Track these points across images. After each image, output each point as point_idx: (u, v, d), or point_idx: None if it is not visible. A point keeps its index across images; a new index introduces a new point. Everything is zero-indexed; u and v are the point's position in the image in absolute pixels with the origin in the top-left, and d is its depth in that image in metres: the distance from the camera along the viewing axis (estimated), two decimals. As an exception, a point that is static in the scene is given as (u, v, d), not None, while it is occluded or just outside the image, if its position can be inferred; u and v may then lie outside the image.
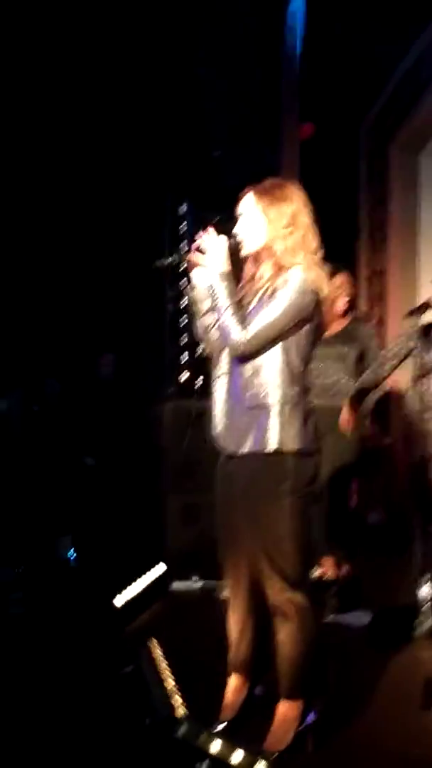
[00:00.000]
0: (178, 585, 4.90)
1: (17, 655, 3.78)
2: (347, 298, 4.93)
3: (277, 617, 2.84)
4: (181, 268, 3.00)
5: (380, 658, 3.84)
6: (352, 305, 5.03)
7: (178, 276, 5.04)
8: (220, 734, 2.57)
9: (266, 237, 2.82)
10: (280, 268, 2.80)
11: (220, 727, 2.89)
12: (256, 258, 2.88)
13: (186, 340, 5.49)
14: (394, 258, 7.12)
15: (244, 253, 2.88)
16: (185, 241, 2.88)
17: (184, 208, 5.40)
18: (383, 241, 7.24)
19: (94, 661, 3.64)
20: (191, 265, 2.93)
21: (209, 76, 5.76)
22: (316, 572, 4.92)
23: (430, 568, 4.21)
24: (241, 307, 2.82)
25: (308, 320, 2.80)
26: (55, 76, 5.54)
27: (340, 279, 4.91)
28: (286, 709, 2.87)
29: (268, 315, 2.75)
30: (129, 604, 4.32)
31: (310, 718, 2.92)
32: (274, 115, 5.90)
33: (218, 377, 2.95)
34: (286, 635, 2.83)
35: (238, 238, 2.87)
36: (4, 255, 5.49)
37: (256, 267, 2.89)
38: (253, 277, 2.90)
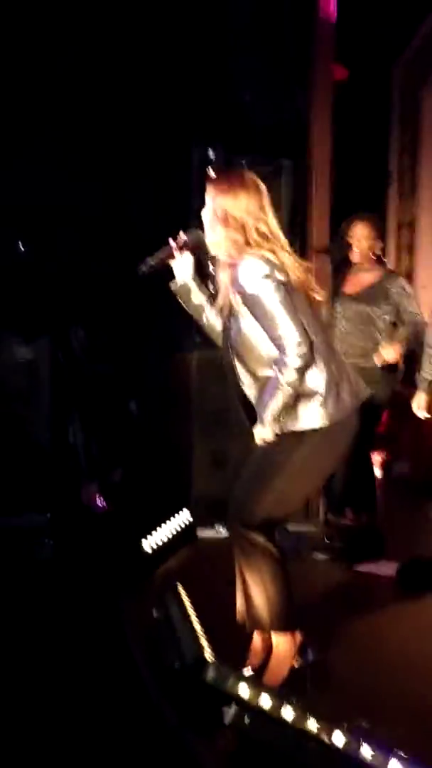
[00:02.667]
0: (203, 532, 4.92)
1: (45, 600, 3.82)
2: (372, 249, 4.80)
3: (240, 557, 2.92)
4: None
5: (406, 607, 3.86)
6: (380, 257, 4.91)
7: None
8: (247, 679, 2.58)
9: (214, 228, 2.88)
10: (231, 262, 2.86)
11: (248, 671, 2.92)
12: (216, 248, 2.94)
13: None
14: (423, 207, 7.00)
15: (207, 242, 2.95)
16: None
17: (212, 152, 5.31)
18: (413, 189, 7.12)
19: (122, 606, 3.67)
20: (171, 262, 3.03)
21: (239, 16, 5.65)
22: (339, 521, 4.94)
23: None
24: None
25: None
26: (78, 15, 5.45)
27: (362, 227, 4.78)
28: (276, 644, 2.96)
29: (276, 315, 2.76)
30: (156, 549, 4.34)
31: (310, 656, 3.00)
32: (306, 56, 5.77)
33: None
34: (250, 573, 2.90)
35: (201, 231, 2.96)
36: (29, 203, 5.46)
37: (215, 261, 2.98)
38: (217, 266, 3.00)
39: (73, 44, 5.53)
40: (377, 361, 4.50)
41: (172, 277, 3.07)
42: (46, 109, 5.48)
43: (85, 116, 5.60)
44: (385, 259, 4.99)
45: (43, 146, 5.44)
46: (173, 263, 3.04)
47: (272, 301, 2.76)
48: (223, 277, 2.92)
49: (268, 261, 2.81)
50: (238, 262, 2.83)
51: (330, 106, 5.82)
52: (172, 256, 3.02)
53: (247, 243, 2.84)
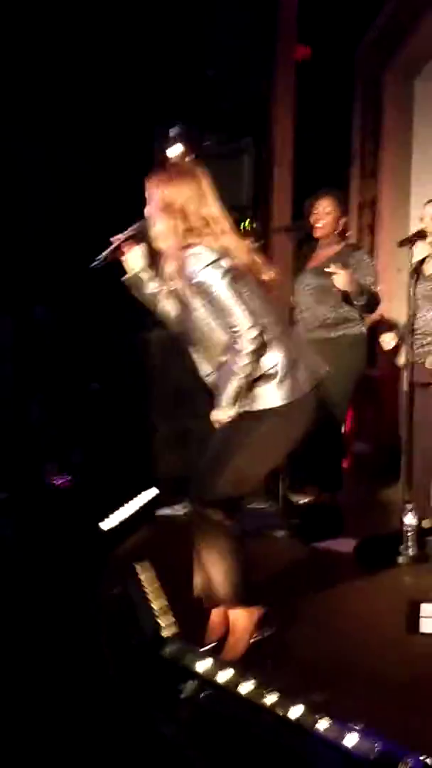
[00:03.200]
0: (164, 511, 4.92)
1: (4, 579, 3.80)
2: (335, 223, 4.83)
3: (199, 534, 2.97)
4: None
5: (365, 582, 3.91)
6: (343, 231, 4.94)
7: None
8: (206, 654, 2.60)
9: (160, 218, 2.90)
10: (176, 251, 2.88)
11: (206, 647, 2.95)
12: (161, 238, 2.96)
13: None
14: (386, 187, 7.02)
15: (152, 233, 2.97)
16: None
17: (176, 129, 5.29)
18: (375, 168, 7.13)
19: (82, 583, 3.67)
20: (122, 254, 3.04)
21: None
22: (299, 499, 4.99)
23: (415, 496, 4.27)
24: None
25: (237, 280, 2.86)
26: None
27: (325, 202, 4.81)
28: (234, 620, 3.00)
29: (225, 303, 2.79)
30: (117, 527, 4.35)
31: (267, 631, 3.03)
32: (270, 35, 5.76)
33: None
34: (208, 550, 2.95)
35: (147, 222, 2.98)
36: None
37: (161, 252, 2.99)
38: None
39: (38, 20, 5.46)
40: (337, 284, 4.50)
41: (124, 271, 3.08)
42: (9, 82, 5.41)
43: (49, 94, 5.54)
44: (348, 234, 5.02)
45: (6, 128, 5.38)
46: (123, 258, 3.05)
47: (219, 289, 2.79)
48: (170, 267, 2.93)
49: (211, 249, 2.83)
50: (184, 252, 2.84)
51: (292, 85, 5.84)
52: (121, 253, 3.03)
53: (189, 230, 2.86)
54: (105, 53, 5.60)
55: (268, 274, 3.00)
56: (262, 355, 2.85)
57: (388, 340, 4.53)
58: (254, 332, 2.79)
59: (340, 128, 7.03)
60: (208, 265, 2.80)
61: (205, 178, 2.93)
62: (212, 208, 2.91)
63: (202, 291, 2.82)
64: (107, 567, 3.90)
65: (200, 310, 2.87)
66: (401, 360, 4.45)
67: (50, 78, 5.53)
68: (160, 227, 2.91)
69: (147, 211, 2.96)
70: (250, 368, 2.82)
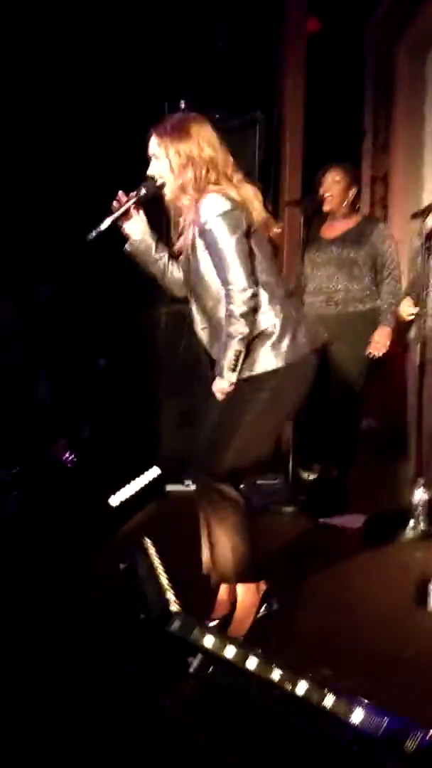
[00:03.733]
0: (171, 487, 4.91)
1: (12, 555, 3.80)
2: (345, 194, 4.77)
3: (206, 508, 2.92)
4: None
5: (373, 559, 3.90)
6: (356, 202, 4.88)
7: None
8: (213, 630, 2.59)
9: (176, 174, 2.83)
10: (196, 202, 2.81)
11: (213, 623, 2.94)
12: (177, 196, 2.89)
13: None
14: (397, 161, 6.96)
15: (166, 194, 2.90)
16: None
17: (182, 104, 5.23)
18: (387, 143, 7.06)
19: (89, 559, 3.67)
20: (122, 221, 2.94)
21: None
22: (309, 474, 4.98)
23: (423, 472, 4.24)
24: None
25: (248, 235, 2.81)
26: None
27: (333, 173, 4.76)
28: (241, 595, 2.98)
29: (226, 257, 2.75)
30: (124, 504, 4.34)
31: (274, 607, 3.01)
32: (280, 7, 5.68)
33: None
34: (216, 525, 2.90)
35: (156, 182, 2.89)
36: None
37: (177, 209, 2.93)
38: (178, 215, 2.95)
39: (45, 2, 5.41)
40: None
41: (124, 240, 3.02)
42: (14, 63, 5.35)
43: (56, 69, 5.49)
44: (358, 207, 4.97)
45: (9, 102, 5.32)
46: (127, 223, 2.97)
47: (225, 241, 2.75)
48: (187, 216, 2.87)
49: (230, 198, 2.79)
50: (201, 199, 2.79)
51: (303, 58, 5.76)
52: (128, 215, 2.95)
53: (213, 181, 2.81)
54: (113, 27, 5.54)
55: (276, 229, 2.97)
56: (255, 317, 2.79)
57: (407, 309, 4.42)
58: (248, 294, 2.74)
59: (351, 102, 6.95)
60: (221, 214, 2.75)
61: (208, 127, 2.88)
62: (226, 156, 2.87)
63: (210, 239, 2.77)
64: (115, 542, 3.90)
65: (205, 258, 2.82)
66: (412, 334, 4.40)
67: (56, 53, 5.47)
68: (178, 183, 2.84)
69: (155, 170, 2.88)
70: (245, 330, 2.77)
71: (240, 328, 2.75)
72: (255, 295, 2.77)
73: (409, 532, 4.07)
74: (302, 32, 5.75)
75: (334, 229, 4.78)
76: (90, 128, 5.64)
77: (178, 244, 2.97)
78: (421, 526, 4.06)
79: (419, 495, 4.06)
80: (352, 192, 4.78)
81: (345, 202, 4.75)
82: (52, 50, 5.44)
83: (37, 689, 2.64)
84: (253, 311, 2.77)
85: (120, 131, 5.66)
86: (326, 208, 4.76)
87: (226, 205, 2.76)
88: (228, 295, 2.76)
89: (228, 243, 2.74)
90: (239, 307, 2.74)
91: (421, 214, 4.26)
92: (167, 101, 5.45)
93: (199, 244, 2.81)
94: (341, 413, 4.80)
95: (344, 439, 4.87)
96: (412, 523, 4.07)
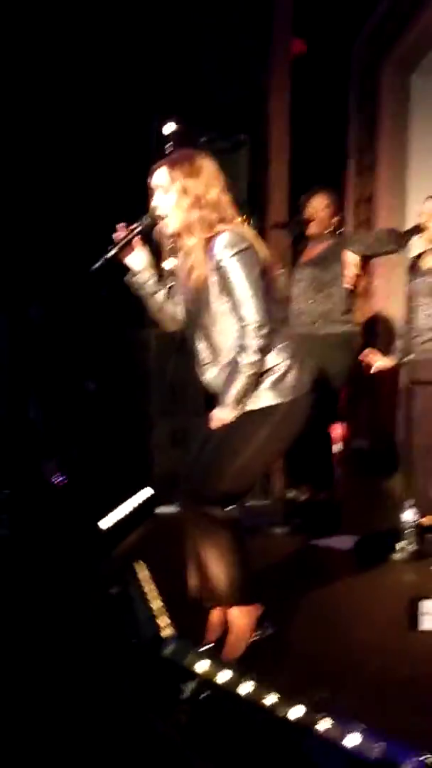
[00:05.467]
0: (162, 509, 4.91)
1: (2, 576, 3.79)
2: (329, 220, 4.82)
3: (198, 533, 2.92)
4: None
5: (364, 580, 3.90)
6: (338, 226, 4.93)
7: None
8: (206, 654, 2.59)
9: (184, 211, 2.84)
10: (206, 241, 2.82)
11: (206, 646, 2.94)
12: (176, 233, 2.90)
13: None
14: (382, 182, 7.01)
15: (167, 230, 2.90)
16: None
17: (171, 126, 5.26)
18: (372, 164, 7.12)
19: (80, 582, 3.66)
20: (125, 253, 2.95)
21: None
22: (294, 495, 4.99)
23: (413, 492, 4.25)
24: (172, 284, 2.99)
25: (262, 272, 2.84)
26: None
27: (320, 199, 4.81)
28: (234, 618, 2.97)
29: (242, 294, 2.77)
30: (115, 526, 4.34)
31: (268, 630, 3.01)
32: (265, 30, 5.74)
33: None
34: (209, 549, 2.90)
35: (158, 213, 2.89)
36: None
37: (178, 241, 2.92)
38: (174, 252, 2.96)
39: (34, 18, 5.43)
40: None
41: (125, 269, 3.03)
42: (4, 82, 5.38)
43: (45, 91, 5.52)
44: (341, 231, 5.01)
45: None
46: (130, 255, 2.97)
47: (242, 277, 2.77)
48: (196, 254, 2.85)
49: (244, 236, 2.82)
50: (214, 236, 2.81)
51: (288, 80, 5.81)
52: (131, 247, 2.96)
53: (221, 220, 2.84)
54: (101, 49, 5.58)
55: (276, 268, 3.00)
56: (268, 353, 2.83)
57: (377, 363, 4.47)
58: (265, 330, 2.78)
59: (336, 123, 7.01)
60: (237, 252, 2.77)
61: (215, 166, 2.90)
62: (228, 197, 2.90)
63: (224, 275, 2.79)
64: (106, 566, 3.90)
65: (217, 295, 2.84)
66: (387, 362, 4.43)
67: (45, 75, 5.50)
68: (184, 221, 2.85)
69: (160, 203, 2.89)
70: (257, 366, 2.81)
71: (254, 362, 2.79)
72: (271, 331, 2.80)
73: (400, 553, 4.08)
74: (288, 55, 5.81)
75: (310, 251, 4.83)
76: (80, 149, 5.67)
77: (179, 279, 2.99)
78: (411, 546, 4.07)
79: (409, 516, 4.08)
80: (335, 219, 4.83)
81: (329, 227, 4.81)
82: (43, 72, 5.47)
83: (30, 711, 2.63)
84: (267, 347, 2.81)
85: (109, 153, 5.69)
86: (311, 231, 4.81)
87: (242, 243, 2.79)
88: (244, 331, 2.78)
89: (245, 280, 2.77)
90: (256, 342, 2.77)
91: (406, 235, 4.30)
92: (155, 123, 5.48)
93: (213, 280, 2.83)
94: (313, 435, 4.80)
95: (318, 462, 4.88)
96: (402, 544, 4.09)
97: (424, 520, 4.27)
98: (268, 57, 5.75)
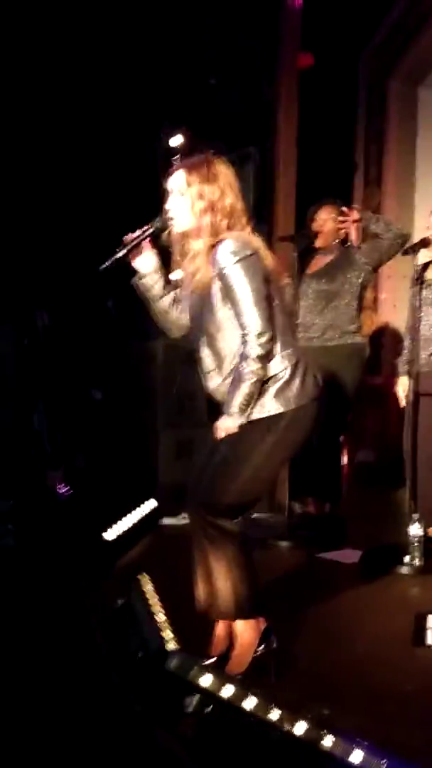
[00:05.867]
0: (167, 520, 4.91)
1: (7, 587, 3.79)
2: (336, 232, 4.84)
3: (205, 545, 2.90)
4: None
5: (369, 594, 3.89)
6: (344, 240, 4.95)
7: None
8: (210, 668, 2.58)
9: (196, 215, 2.83)
10: (211, 246, 2.82)
11: (211, 661, 2.92)
12: (186, 236, 2.90)
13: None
14: (389, 194, 7.02)
15: (175, 231, 2.90)
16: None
17: (178, 138, 5.28)
18: (379, 176, 7.13)
19: (84, 594, 3.66)
20: (134, 255, 2.94)
21: (206, 2, 5.61)
22: (300, 508, 4.99)
23: (419, 506, 4.24)
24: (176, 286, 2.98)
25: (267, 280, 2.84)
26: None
27: (327, 211, 4.83)
28: (240, 632, 2.95)
29: (244, 301, 2.76)
30: (120, 538, 4.33)
31: (273, 644, 2.98)
32: (273, 43, 5.76)
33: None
34: (216, 561, 2.89)
35: (170, 215, 2.88)
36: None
37: (186, 244, 2.92)
38: (182, 255, 2.94)
39: (38, 32, 5.46)
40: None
41: (132, 272, 3.03)
42: (9, 91, 5.40)
43: (51, 102, 5.53)
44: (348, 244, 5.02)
45: (4, 132, 5.37)
46: (139, 257, 2.97)
47: (245, 285, 2.76)
48: (200, 259, 2.85)
49: (248, 243, 2.81)
50: (218, 242, 2.80)
51: (296, 93, 5.83)
52: (141, 249, 2.96)
53: (230, 227, 2.83)
54: (108, 62, 5.60)
55: (283, 277, 3.00)
56: (270, 361, 2.82)
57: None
58: (265, 337, 2.77)
59: (344, 136, 7.02)
60: (241, 259, 2.76)
61: (232, 172, 2.89)
62: (243, 204, 2.90)
63: (227, 283, 2.78)
64: (110, 578, 3.89)
65: (222, 301, 2.83)
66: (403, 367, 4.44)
67: (52, 87, 5.52)
68: (195, 225, 2.85)
69: (174, 206, 2.87)
70: (260, 373, 2.79)
71: (255, 370, 2.78)
72: (272, 339, 2.79)
73: (406, 567, 4.07)
74: (296, 68, 5.83)
75: (317, 263, 4.85)
76: (87, 158, 5.69)
77: (185, 285, 2.99)
78: (417, 560, 4.06)
79: (415, 530, 4.07)
80: (343, 231, 4.84)
81: (335, 239, 4.82)
82: (49, 83, 5.49)
83: (33, 723, 2.62)
84: (268, 355, 2.80)
85: (116, 163, 5.71)
86: (318, 244, 4.83)
87: (246, 250, 2.78)
88: (245, 338, 2.78)
89: (248, 287, 2.76)
90: (256, 350, 2.76)
91: (412, 249, 4.30)
92: (163, 135, 5.50)
93: (217, 286, 2.82)
94: (321, 449, 4.81)
95: (327, 473, 4.88)
96: (408, 558, 4.07)
97: (430, 531, 4.27)
98: (276, 70, 5.76)
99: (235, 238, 2.81)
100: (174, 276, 3.02)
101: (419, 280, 4.35)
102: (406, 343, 4.50)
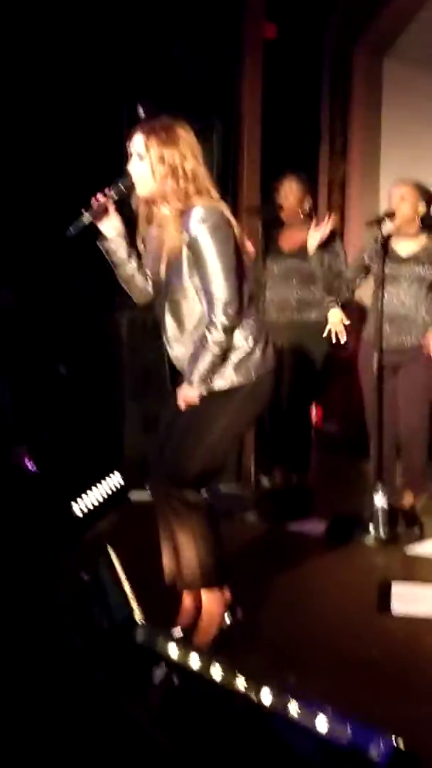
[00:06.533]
0: (135, 494, 4.90)
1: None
2: (300, 205, 4.84)
3: (170, 516, 2.93)
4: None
5: (335, 564, 3.93)
6: (311, 212, 4.94)
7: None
8: (176, 639, 2.59)
9: (157, 180, 2.81)
10: (180, 213, 2.80)
11: (178, 632, 2.94)
12: (150, 201, 2.89)
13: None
14: (355, 166, 7.00)
15: (138, 195, 2.88)
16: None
17: (141, 108, 5.22)
18: (345, 147, 7.11)
19: (51, 568, 3.65)
20: (99, 218, 2.91)
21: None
22: (269, 481, 5.02)
23: (383, 476, 4.28)
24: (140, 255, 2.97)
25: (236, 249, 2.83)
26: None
27: (292, 183, 4.82)
28: (206, 603, 2.98)
29: (213, 269, 2.76)
30: (87, 511, 4.32)
31: (239, 615, 3.03)
32: (237, 12, 5.70)
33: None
34: (181, 532, 2.91)
35: (131, 180, 2.85)
36: None
37: (148, 210, 2.92)
38: (148, 221, 2.94)
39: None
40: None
41: (97, 235, 3.00)
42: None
43: (14, 69, 5.44)
44: (314, 217, 5.02)
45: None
46: (103, 221, 2.94)
47: (214, 253, 2.75)
48: (169, 226, 2.83)
49: (218, 211, 2.80)
50: (188, 209, 2.78)
51: (260, 63, 5.78)
52: (106, 213, 2.92)
53: (198, 192, 2.80)
54: (72, 30, 5.51)
55: (249, 248, 3.00)
56: (234, 330, 2.82)
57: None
58: (232, 308, 2.76)
59: (308, 107, 6.98)
60: (211, 227, 2.75)
61: (193, 136, 2.86)
62: (206, 169, 2.88)
63: (196, 249, 2.77)
64: (78, 550, 3.89)
65: (186, 273, 2.82)
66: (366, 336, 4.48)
67: (13, 53, 5.43)
68: (158, 189, 2.82)
69: (135, 169, 2.84)
70: (224, 344, 2.80)
71: (220, 340, 2.78)
72: (239, 310, 2.79)
73: (371, 538, 4.11)
74: (260, 38, 5.78)
75: (291, 240, 4.84)
76: (48, 130, 5.61)
77: (149, 250, 2.96)
78: (382, 531, 4.10)
79: (379, 500, 4.10)
80: (308, 202, 4.85)
81: (300, 212, 4.81)
82: (10, 49, 5.40)
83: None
84: (234, 326, 2.80)
85: (78, 133, 5.64)
86: (283, 216, 4.83)
87: (216, 218, 2.76)
88: (211, 307, 2.77)
89: (216, 255, 2.75)
90: (222, 319, 2.76)
91: (377, 222, 4.30)
92: (125, 104, 5.44)
93: (186, 253, 2.81)
94: (293, 420, 4.85)
95: (297, 445, 4.92)
96: (372, 528, 4.11)
97: (405, 502, 4.33)
98: (239, 39, 5.71)
99: (205, 205, 2.79)
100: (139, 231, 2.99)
101: (384, 252, 4.35)
102: (371, 316, 4.52)
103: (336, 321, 4.48)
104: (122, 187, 2.87)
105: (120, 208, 2.97)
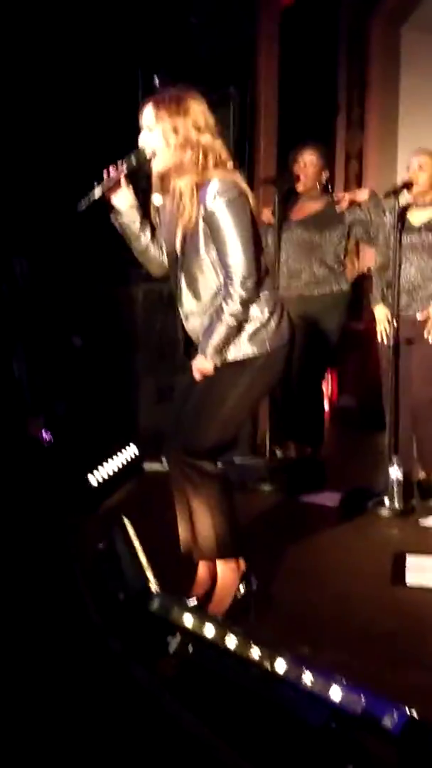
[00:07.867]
0: (149, 465, 4.91)
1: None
2: (318, 177, 4.80)
3: (186, 486, 2.93)
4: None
5: (349, 536, 3.93)
6: (327, 185, 4.90)
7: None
8: (192, 608, 2.60)
9: (172, 151, 2.78)
10: (195, 185, 2.77)
11: (193, 601, 2.95)
12: (168, 174, 2.85)
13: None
14: (372, 137, 6.96)
15: (154, 168, 2.85)
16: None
17: (156, 80, 5.18)
18: (361, 119, 7.06)
19: (67, 538, 3.67)
20: (111, 192, 2.88)
21: None
22: (283, 453, 5.01)
23: (398, 449, 4.27)
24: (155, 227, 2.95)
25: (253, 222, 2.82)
26: None
27: (309, 154, 4.77)
28: (221, 573, 2.99)
29: (231, 242, 2.74)
30: (102, 482, 4.34)
31: (253, 584, 3.02)
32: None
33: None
34: (197, 503, 2.92)
35: (145, 152, 2.82)
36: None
37: (163, 183, 2.88)
38: (163, 193, 2.91)
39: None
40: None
41: (110, 209, 2.98)
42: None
43: (29, 42, 5.41)
44: (331, 189, 4.98)
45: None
46: (116, 195, 2.92)
47: (230, 226, 2.74)
48: (186, 198, 2.79)
49: (236, 184, 2.78)
50: (204, 181, 2.76)
51: (277, 33, 5.74)
52: (119, 185, 2.90)
53: (216, 165, 2.78)
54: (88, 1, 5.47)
55: (264, 219, 2.98)
56: (251, 303, 2.81)
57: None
58: (250, 281, 2.76)
59: (325, 77, 6.92)
60: (229, 200, 2.73)
61: (206, 108, 2.83)
62: (221, 140, 2.84)
63: (214, 222, 2.75)
64: (93, 521, 3.90)
65: (203, 246, 2.81)
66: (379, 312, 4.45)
67: (26, 26, 5.39)
68: (175, 161, 2.79)
69: (147, 141, 2.81)
70: (240, 316, 2.79)
71: (236, 313, 2.77)
72: (256, 282, 2.78)
73: (385, 510, 4.11)
74: (277, 7, 5.73)
75: (302, 210, 4.81)
76: (64, 99, 5.58)
77: (164, 223, 2.95)
78: (397, 503, 4.10)
79: (394, 472, 4.10)
80: (325, 174, 4.80)
81: (317, 184, 4.77)
82: (24, 22, 5.36)
83: (15, 667, 2.65)
84: (251, 298, 2.79)
85: (94, 103, 5.61)
86: (299, 188, 4.78)
87: (234, 191, 2.75)
88: (229, 280, 2.76)
89: (234, 228, 2.73)
90: (239, 292, 2.75)
91: (395, 192, 4.26)
92: (141, 74, 5.40)
93: (202, 226, 2.79)
94: (305, 393, 4.84)
95: (311, 417, 4.92)
96: (387, 500, 4.11)
97: (420, 475, 4.32)
98: (256, 9, 5.66)
99: (222, 178, 2.76)
100: (154, 200, 2.97)
101: (400, 223, 4.31)
102: (378, 281, 4.48)
103: (382, 318, 4.42)
104: (134, 160, 2.85)
105: (133, 179, 2.95)
